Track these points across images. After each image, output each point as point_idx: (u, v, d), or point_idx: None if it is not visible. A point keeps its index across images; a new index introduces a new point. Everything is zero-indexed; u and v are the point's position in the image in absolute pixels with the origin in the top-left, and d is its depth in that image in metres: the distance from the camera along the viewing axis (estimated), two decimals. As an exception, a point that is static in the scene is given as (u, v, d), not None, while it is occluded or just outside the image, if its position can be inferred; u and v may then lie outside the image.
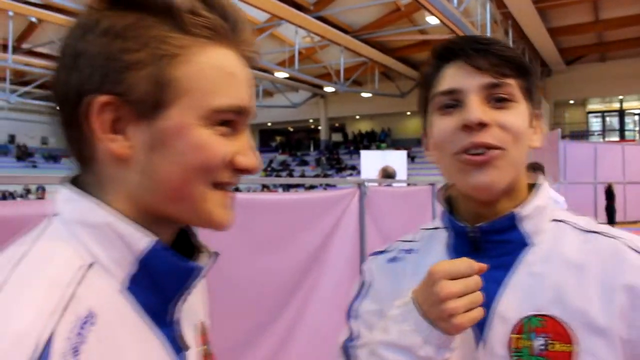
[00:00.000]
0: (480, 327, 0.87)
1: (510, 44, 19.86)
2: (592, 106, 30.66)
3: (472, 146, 0.86)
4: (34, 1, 15.13)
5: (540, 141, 0.96)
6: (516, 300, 0.87)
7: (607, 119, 30.73)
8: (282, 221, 2.92)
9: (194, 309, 0.79)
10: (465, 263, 0.81)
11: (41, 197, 27.31)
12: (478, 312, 0.80)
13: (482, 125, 0.86)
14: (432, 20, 16.92)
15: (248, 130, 0.71)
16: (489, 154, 0.86)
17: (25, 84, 26.66)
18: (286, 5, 16.56)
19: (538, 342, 0.84)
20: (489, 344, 0.87)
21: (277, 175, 33.51)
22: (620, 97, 28.71)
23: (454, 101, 0.90)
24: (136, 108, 0.64)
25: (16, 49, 21.38)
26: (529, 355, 0.84)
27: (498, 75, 0.88)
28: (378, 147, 32.66)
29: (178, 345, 0.71)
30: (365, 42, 21.70)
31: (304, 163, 35.86)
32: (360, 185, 3.81)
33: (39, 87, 26.82)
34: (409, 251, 1.04)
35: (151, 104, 0.64)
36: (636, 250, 0.86)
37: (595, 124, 30.97)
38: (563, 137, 17.50)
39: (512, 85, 0.89)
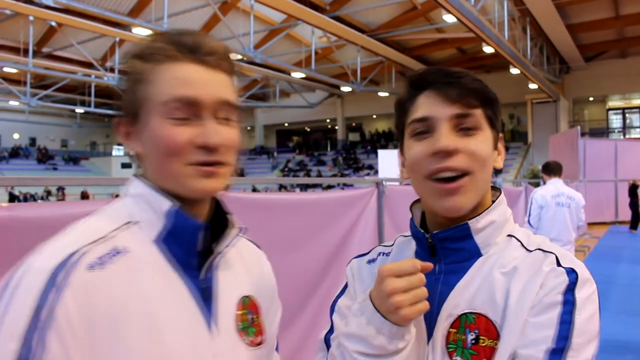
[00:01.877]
0: (431, 326, 0.98)
1: (528, 41, 19.76)
2: (612, 103, 30.28)
3: (441, 170, 0.96)
4: (54, 6, 15.32)
5: (502, 162, 1.07)
6: (459, 300, 0.98)
7: (628, 115, 30.33)
8: (302, 221, 2.92)
9: (239, 280, 1.02)
10: (409, 262, 0.91)
11: (61, 199, 27.64)
12: (423, 305, 0.90)
13: (450, 152, 0.96)
14: (449, 18, 16.82)
15: (208, 114, 0.89)
16: (459, 182, 0.96)
17: (45, 87, 27.02)
18: (302, 6, 16.60)
19: (470, 337, 0.94)
20: (435, 338, 0.98)
21: (295, 176, 33.55)
22: (641, 93, 28.31)
23: (426, 128, 0.99)
24: (129, 120, 0.93)
25: (36, 53, 21.68)
26: (462, 348, 0.95)
27: (465, 106, 0.97)
28: (395, 146, 32.51)
29: (205, 295, 0.93)
30: (382, 41, 21.66)
31: (321, 163, 35.87)
32: (379, 184, 3.80)
33: (59, 90, 27.18)
34: (387, 255, 1.16)
35: (133, 115, 0.92)
36: (559, 263, 0.95)
37: (615, 121, 30.58)
38: (582, 134, 17.31)
39: (478, 115, 0.99)
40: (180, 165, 0.88)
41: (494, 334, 0.93)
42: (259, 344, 1.01)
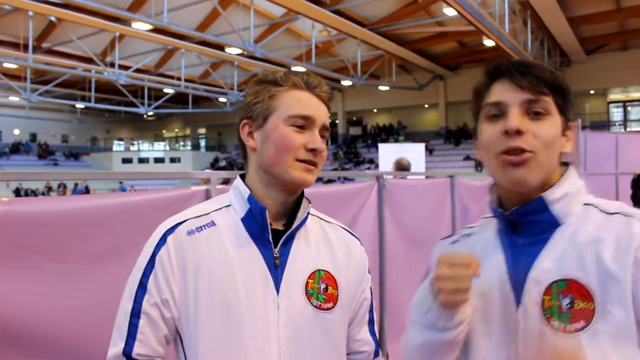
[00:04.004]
0: (519, 293, 1.08)
1: (529, 34, 19.67)
2: (613, 96, 30.19)
3: (509, 148, 1.07)
4: (54, 0, 15.26)
5: (571, 147, 1.15)
6: (546, 268, 1.07)
7: (629, 108, 30.26)
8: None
9: (318, 256, 1.31)
10: (463, 257, 1.05)
11: (62, 194, 27.63)
12: (460, 296, 1.05)
13: (519, 133, 1.07)
14: (450, 11, 16.76)
15: (316, 129, 1.26)
16: (523, 156, 1.06)
17: (46, 82, 26.96)
18: None
19: (565, 302, 1.03)
20: (525, 305, 1.07)
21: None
22: (642, 86, 28.23)
23: (499, 111, 1.12)
24: (256, 123, 1.28)
25: (36, 48, 21.65)
26: (558, 313, 1.03)
27: (536, 93, 1.09)
28: (396, 140, 32.54)
29: (274, 264, 1.24)
30: (382, 34, 21.58)
31: (322, 157, 35.74)
32: (379, 178, 3.80)
33: (59, 85, 27.14)
34: (469, 235, 1.29)
35: (262, 119, 1.27)
36: None
37: (616, 114, 30.51)
38: (583, 127, 17.29)
39: (547, 102, 1.10)
40: (291, 159, 1.23)
41: (589, 297, 1.01)
42: (328, 309, 1.27)
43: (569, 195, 1.12)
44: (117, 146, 43.51)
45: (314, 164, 1.25)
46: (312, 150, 1.24)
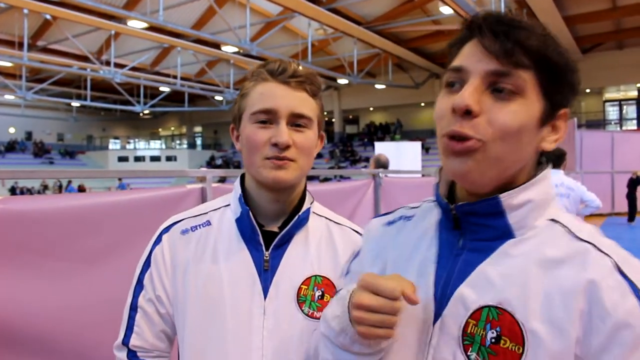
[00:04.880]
0: (442, 305, 0.87)
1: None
2: (609, 95, 30.27)
3: (451, 133, 0.83)
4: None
5: (554, 143, 0.88)
6: (482, 286, 0.84)
7: (625, 107, 30.34)
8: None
9: (317, 261, 1.22)
10: (392, 285, 0.81)
11: (58, 193, 27.54)
12: (384, 332, 0.82)
13: (468, 114, 0.81)
14: (446, 10, 16.79)
15: (282, 121, 1.15)
16: (466, 144, 0.81)
17: (41, 81, 26.88)
18: (298, -2, 16.53)
19: (490, 335, 0.81)
20: (444, 321, 0.86)
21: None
22: (638, 85, 28.29)
23: (458, 80, 0.86)
24: (237, 125, 1.25)
25: (31, 47, 21.58)
26: (479, 344, 0.82)
27: (507, 63, 0.81)
28: (392, 139, 32.55)
29: (267, 266, 1.19)
30: (379, 33, 21.59)
31: (318, 155, 35.51)
32: (375, 176, 3.80)
33: (55, 84, 27.06)
34: (408, 219, 1.05)
35: (238, 120, 1.23)
36: (622, 273, 0.78)
37: (612, 112, 30.59)
38: (579, 126, 17.32)
39: (522, 78, 0.82)
40: (259, 158, 1.16)
41: (519, 339, 0.79)
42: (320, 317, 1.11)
43: (533, 204, 0.86)
44: (113, 144, 43.43)
45: (283, 158, 1.14)
46: (276, 145, 1.14)
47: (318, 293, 1.19)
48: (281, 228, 1.21)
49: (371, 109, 36.41)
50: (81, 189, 26.60)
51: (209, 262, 1.20)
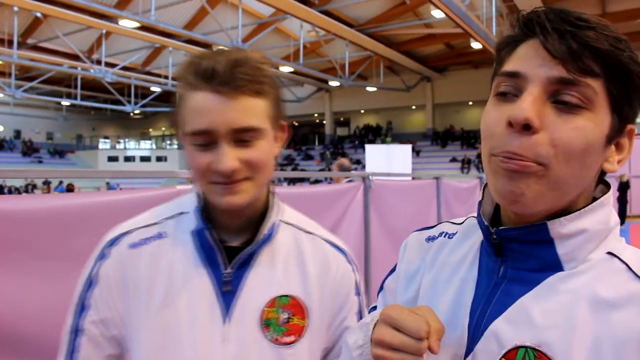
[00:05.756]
0: (476, 338, 0.78)
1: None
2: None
3: (506, 155, 0.71)
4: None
5: (616, 165, 0.76)
6: (520, 323, 0.74)
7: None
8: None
9: (283, 279, 1.06)
10: (416, 323, 0.71)
11: (47, 192, 27.39)
12: None
13: (527, 128, 0.69)
14: (438, 14, 16.83)
15: (223, 142, 0.95)
16: (521, 163, 0.70)
17: (31, 79, 26.71)
18: (291, -1, 16.54)
19: None
20: (476, 356, 0.77)
21: (282, 170, 33.53)
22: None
23: (514, 87, 0.73)
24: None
25: (21, 45, 21.43)
26: None
27: (575, 70, 0.69)
28: (383, 141, 32.61)
29: (227, 287, 1.02)
30: (370, 36, 21.63)
31: (309, 157, 35.82)
32: (365, 179, 3.81)
33: (44, 82, 26.90)
34: (451, 236, 0.95)
35: (182, 133, 1.01)
36: None
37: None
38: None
39: (592, 88, 0.69)
40: (205, 184, 1.00)
41: None
42: (288, 343, 1.03)
43: (588, 235, 0.74)
44: (103, 144, 43.16)
45: (233, 182, 0.97)
46: (217, 172, 0.96)
47: (284, 315, 1.04)
48: (245, 244, 1.05)
49: (362, 111, 36.45)
50: (70, 189, 26.44)
51: (164, 283, 1.02)
